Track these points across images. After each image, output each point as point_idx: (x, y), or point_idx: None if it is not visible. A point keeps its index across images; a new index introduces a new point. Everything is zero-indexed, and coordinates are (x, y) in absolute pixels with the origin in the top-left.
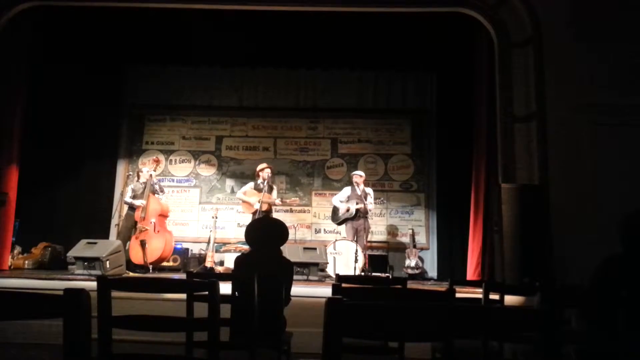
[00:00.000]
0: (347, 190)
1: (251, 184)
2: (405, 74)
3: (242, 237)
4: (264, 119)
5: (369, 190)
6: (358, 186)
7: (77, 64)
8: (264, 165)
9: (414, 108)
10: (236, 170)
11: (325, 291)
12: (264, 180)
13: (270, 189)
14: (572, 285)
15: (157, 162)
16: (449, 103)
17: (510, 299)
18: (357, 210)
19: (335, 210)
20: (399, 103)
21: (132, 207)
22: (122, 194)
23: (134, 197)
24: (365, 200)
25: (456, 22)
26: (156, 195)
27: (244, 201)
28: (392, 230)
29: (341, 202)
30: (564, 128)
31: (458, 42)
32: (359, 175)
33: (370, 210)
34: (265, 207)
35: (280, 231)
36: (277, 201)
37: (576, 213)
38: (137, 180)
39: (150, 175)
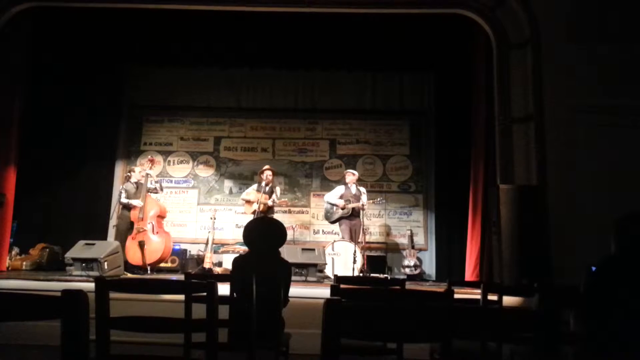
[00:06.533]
0: (340, 189)
1: (255, 186)
2: (404, 75)
3: (241, 238)
4: (262, 120)
5: (362, 189)
6: (352, 185)
7: (75, 65)
8: (265, 167)
9: (412, 109)
10: (234, 171)
11: (324, 292)
12: (265, 182)
13: (271, 192)
14: (570, 286)
15: (153, 161)
16: (447, 104)
17: (508, 300)
18: (353, 209)
19: (328, 208)
20: (398, 104)
21: (126, 208)
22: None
23: (127, 198)
24: (360, 198)
25: (454, 23)
26: (153, 195)
27: (246, 201)
28: (391, 231)
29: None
30: (562, 129)
31: (456, 42)
32: (351, 173)
33: (365, 207)
34: (262, 208)
35: (278, 232)
36: (269, 202)
37: (574, 213)
38: (129, 181)
39: (148, 174)
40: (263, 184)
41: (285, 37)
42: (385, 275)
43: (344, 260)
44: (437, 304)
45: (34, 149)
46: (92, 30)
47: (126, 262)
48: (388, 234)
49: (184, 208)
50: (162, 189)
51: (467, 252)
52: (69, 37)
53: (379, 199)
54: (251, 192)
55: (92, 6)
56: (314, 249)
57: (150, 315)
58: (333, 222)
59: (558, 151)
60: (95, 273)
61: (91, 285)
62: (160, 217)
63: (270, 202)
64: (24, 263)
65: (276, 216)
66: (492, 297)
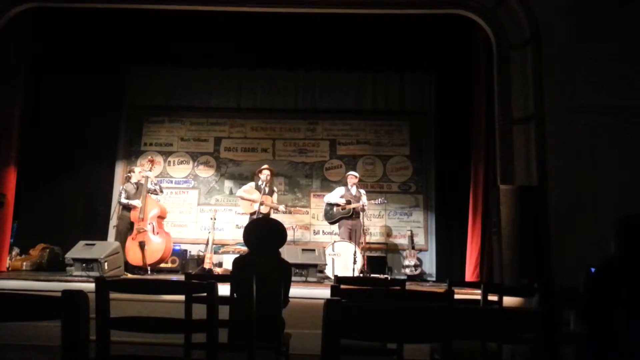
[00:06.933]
0: (340, 190)
1: (252, 184)
2: (404, 75)
3: (241, 239)
4: (262, 120)
5: (362, 190)
6: (352, 187)
7: (76, 65)
8: (264, 166)
9: (412, 109)
10: (235, 172)
11: (324, 292)
12: (263, 182)
13: (271, 192)
14: (570, 287)
15: (153, 162)
16: (447, 104)
17: (508, 300)
18: (353, 209)
19: (328, 209)
20: (398, 104)
21: (126, 208)
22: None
23: (127, 198)
24: (360, 199)
25: (454, 23)
26: (153, 196)
27: (243, 199)
28: (391, 232)
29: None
30: (563, 129)
31: (456, 43)
32: (353, 176)
33: (365, 208)
34: (265, 210)
35: (278, 232)
36: (281, 207)
37: (575, 214)
38: (129, 181)
39: (148, 176)
40: (261, 183)
41: (285, 37)
42: (386, 276)
43: (344, 260)
44: (438, 304)
45: (34, 149)
46: (92, 30)
47: (126, 263)
48: (388, 234)
49: (184, 208)
50: (161, 191)
51: (467, 252)
52: (69, 38)
53: (380, 199)
54: (249, 189)
55: (92, 7)
56: (314, 250)
57: (150, 315)
58: (333, 223)
59: (558, 151)
60: (95, 273)
61: (91, 286)
62: (161, 217)
63: (280, 207)
64: (24, 263)
65: (276, 217)
66: (493, 298)
